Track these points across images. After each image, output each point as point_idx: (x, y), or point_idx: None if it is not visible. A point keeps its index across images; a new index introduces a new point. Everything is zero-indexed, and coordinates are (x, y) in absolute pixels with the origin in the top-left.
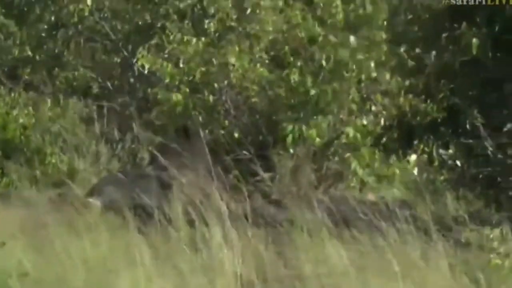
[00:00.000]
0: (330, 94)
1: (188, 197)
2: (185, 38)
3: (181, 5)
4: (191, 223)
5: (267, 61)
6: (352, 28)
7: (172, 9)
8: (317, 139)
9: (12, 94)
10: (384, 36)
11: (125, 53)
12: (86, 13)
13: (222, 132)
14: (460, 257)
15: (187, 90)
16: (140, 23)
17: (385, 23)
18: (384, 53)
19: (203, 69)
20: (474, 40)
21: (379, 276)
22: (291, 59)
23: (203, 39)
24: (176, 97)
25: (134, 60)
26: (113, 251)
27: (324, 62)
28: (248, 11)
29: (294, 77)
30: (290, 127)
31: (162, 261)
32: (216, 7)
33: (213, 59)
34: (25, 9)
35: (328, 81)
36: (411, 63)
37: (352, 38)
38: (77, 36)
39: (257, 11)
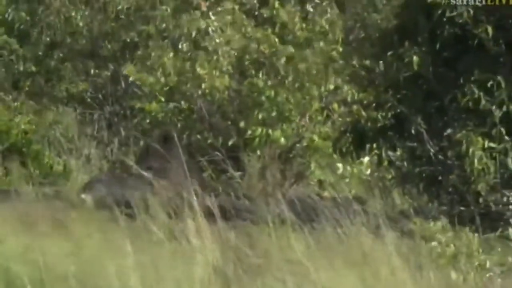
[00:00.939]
0: (292, 103)
1: (167, 194)
2: (164, 54)
3: (161, 27)
4: (169, 217)
5: (232, 73)
6: (310, 43)
7: (154, 30)
8: (282, 142)
9: (15, 103)
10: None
11: (114, 68)
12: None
13: (198, 136)
14: (406, 246)
15: (165, 99)
16: (128, 40)
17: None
18: (340, 67)
19: (180, 78)
20: (415, 57)
21: (336, 263)
22: (255, 71)
23: (179, 54)
24: (156, 106)
25: (122, 74)
26: (100, 242)
27: (283, 72)
28: (211, 32)
29: (258, 83)
30: (256, 131)
31: (143, 252)
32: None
33: (187, 72)
34: (24, 32)
35: (291, 91)
36: (363, 76)
37: (309, 53)
38: (71, 54)
39: (219, 30)
